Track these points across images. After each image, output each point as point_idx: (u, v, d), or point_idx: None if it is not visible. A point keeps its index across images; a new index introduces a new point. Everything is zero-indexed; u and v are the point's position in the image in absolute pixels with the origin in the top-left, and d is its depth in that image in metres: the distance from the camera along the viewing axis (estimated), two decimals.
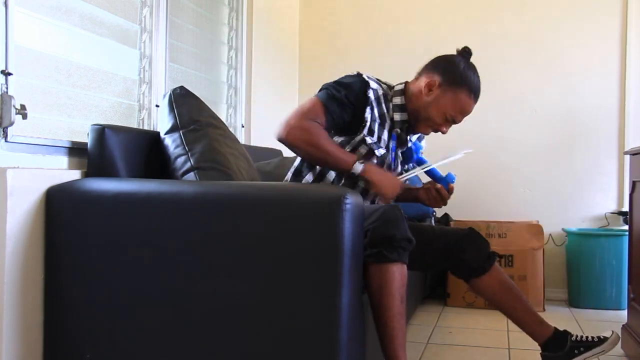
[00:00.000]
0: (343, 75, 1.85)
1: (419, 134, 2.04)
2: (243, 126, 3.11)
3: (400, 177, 1.86)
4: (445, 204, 1.91)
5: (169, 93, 1.94)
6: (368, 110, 1.79)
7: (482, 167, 3.63)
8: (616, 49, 3.47)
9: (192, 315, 1.49)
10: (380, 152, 1.83)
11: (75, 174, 1.73)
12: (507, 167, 3.61)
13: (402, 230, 1.56)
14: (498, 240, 3.27)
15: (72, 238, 1.60)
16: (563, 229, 3.48)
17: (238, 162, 1.91)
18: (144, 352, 1.53)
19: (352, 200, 1.42)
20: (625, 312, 2.53)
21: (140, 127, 2.26)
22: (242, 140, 3.06)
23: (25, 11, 1.67)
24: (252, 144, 3.03)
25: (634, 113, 3.43)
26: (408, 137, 1.97)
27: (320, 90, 1.80)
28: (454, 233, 1.96)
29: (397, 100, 1.89)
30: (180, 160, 1.82)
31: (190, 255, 1.50)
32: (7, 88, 1.57)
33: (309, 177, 1.88)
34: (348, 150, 1.82)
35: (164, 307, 1.51)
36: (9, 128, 1.57)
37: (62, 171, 1.71)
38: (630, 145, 3.37)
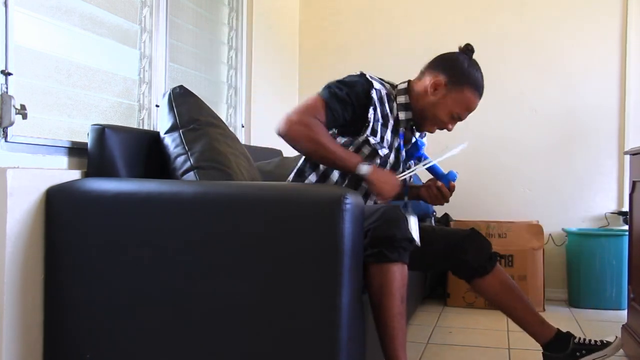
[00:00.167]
0: (344, 75, 1.85)
1: (422, 134, 2.04)
2: (243, 126, 3.11)
3: (401, 175, 1.86)
4: (446, 201, 1.90)
5: (168, 92, 1.94)
6: (371, 110, 1.79)
7: (482, 167, 3.63)
8: (616, 49, 3.47)
9: (192, 315, 1.49)
10: (383, 152, 1.82)
11: (75, 174, 1.73)
12: (507, 167, 3.61)
13: (403, 230, 1.56)
14: (498, 240, 3.27)
15: (72, 238, 1.60)
16: (563, 229, 3.48)
17: (238, 161, 1.90)
18: (144, 352, 1.53)
19: (352, 200, 1.42)
20: (625, 312, 2.53)
21: (140, 127, 2.26)
22: (242, 140, 3.05)
23: (25, 11, 1.67)
24: (252, 144, 3.03)
25: (634, 113, 3.43)
26: (413, 136, 1.97)
27: (323, 88, 1.80)
28: (455, 233, 1.96)
29: (402, 99, 1.88)
30: (180, 159, 1.82)
31: (190, 255, 1.50)
32: (7, 88, 1.57)
33: (312, 178, 1.88)
34: (352, 150, 1.82)
35: (164, 307, 1.51)
36: (9, 128, 1.57)
37: (62, 171, 1.71)
38: (630, 145, 3.37)
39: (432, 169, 1.92)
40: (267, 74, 3.35)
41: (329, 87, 1.78)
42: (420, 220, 3.09)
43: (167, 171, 1.86)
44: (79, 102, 1.93)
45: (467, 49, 1.89)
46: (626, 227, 3.09)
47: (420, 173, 1.95)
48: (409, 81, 1.92)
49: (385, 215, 1.56)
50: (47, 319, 1.62)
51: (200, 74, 2.75)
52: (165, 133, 1.88)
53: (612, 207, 3.48)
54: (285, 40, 3.70)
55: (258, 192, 1.54)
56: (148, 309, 1.53)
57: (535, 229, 3.29)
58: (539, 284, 3.22)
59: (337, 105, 1.75)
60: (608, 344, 1.86)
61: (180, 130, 1.86)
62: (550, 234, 3.52)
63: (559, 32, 3.54)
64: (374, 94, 1.79)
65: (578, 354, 1.85)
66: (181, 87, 1.95)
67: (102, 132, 1.73)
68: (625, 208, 3.26)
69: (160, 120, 1.94)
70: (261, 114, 3.21)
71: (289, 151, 2.12)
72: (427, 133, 2.06)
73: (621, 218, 3.40)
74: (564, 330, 1.92)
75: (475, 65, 1.88)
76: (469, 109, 1.87)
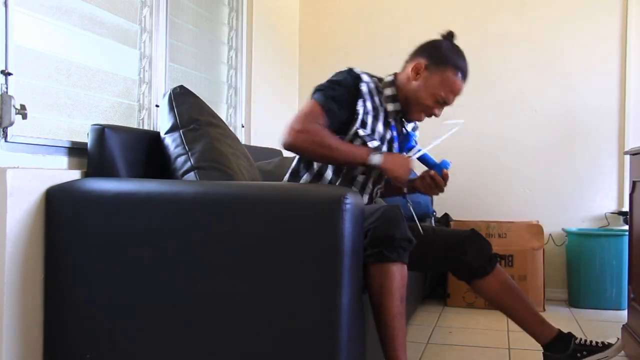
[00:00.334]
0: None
1: (414, 125, 2.05)
2: (243, 126, 3.11)
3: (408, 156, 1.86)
4: (441, 190, 1.89)
5: (168, 92, 1.94)
6: (360, 102, 1.80)
7: (482, 167, 3.63)
8: (616, 49, 3.47)
9: (192, 315, 1.49)
10: (373, 144, 1.83)
11: (75, 174, 1.73)
12: (507, 167, 3.61)
13: (402, 230, 1.56)
14: (498, 240, 3.27)
15: (72, 238, 1.60)
16: (563, 229, 3.48)
17: (239, 162, 1.90)
18: (144, 352, 1.53)
19: (352, 200, 1.42)
20: (625, 312, 2.53)
21: (140, 127, 2.26)
22: (242, 140, 3.05)
23: (25, 11, 1.67)
24: (252, 144, 3.03)
25: (634, 113, 3.43)
26: (403, 128, 1.97)
27: (315, 91, 1.81)
28: (455, 234, 1.96)
29: (389, 91, 1.90)
30: (181, 159, 1.82)
31: (190, 255, 1.50)
32: (7, 88, 1.57)
33: (306, 177, 1.88)
34: None
35: (164, 307, 1.51)
36: (9, 128, 1.57)
37: (62, 171, 1.71)
38: (630, 145, 3.37)
39: (423, 159, 1.92)
40: (267, 74, 3.35)
41: (321, 90, 1.79)
42: (420, 221, 3.11)
43: (167, 171, 1.86)
44: (79, 102, 1.93)
45: (448, 35, 1.91)
46: (626, 227, 3.09)
47: (417, 168, 1.95)
48: (395, 74, 1.94)
49: (385, 215, 1.56)
50: (47, 319, 1.62)
51: (200, 74, 2.75)
52: (166, 133, 1.88)
53: (612, 207, 3.48)
54: (285, 40, 3.70)
55: (258, 192, 1.54)
56: (148, 309, 1.53)
57: (535, 229, 3.29)
58: (539, 284, 3.22)
59: (334, 106, 1.76)
60: (609, 345, 1.86)
61: (181, 131, 1.85)
62: (550, 234, 3.52)
63: (559, 32, 3.54)
64: (363, 87, 1.81)
65: (579, 354, 1.85)
66: (181, 87, 1.95)
67: (102, 132, 1.73)
68: (625, 208, 3.26)
69: (161, 121, 1.94)
70: (261, 114, 3.21)
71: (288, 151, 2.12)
72: (418, 125, 2.07)
73: (621, 218, 3.40)
74: (565, 330, 1.92)
75: (456, 48, 1.89)
76: (453, 90, 1.86)
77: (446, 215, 3.53)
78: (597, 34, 3.49)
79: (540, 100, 3.57)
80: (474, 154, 3.64)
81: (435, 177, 1.88)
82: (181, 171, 1.80)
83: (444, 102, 1.87)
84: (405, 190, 1.99)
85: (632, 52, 3.43)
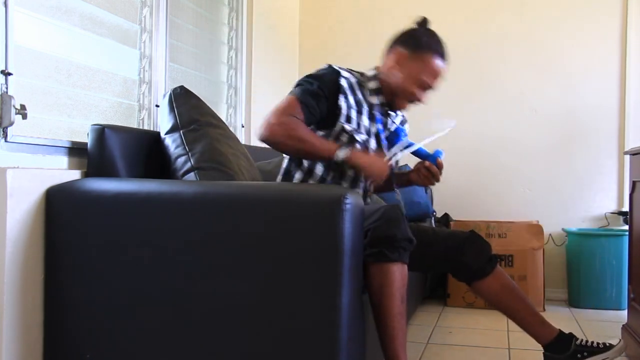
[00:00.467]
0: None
1: (402, 119, 2.06)
2: (243, 126, 3.11)
3: (387, 158, 1.86)
4: (438, 179, 1.91)
5: (169, 93, 1.94)
6: (341, 97, 1.81)
7: (482, 167, 3.63)
8: (616, 49, 3.47)
9: (192, 315, 1.49)
10: (361, 137, 1.83)
11: (75, 174, 1.73)
12: (507, 167, 3.61)
13: (403, 230, 1.56)
14: (498, 240, 3.27)
15: (72, 238, 1.60)
16: (563, 229, 3.48)
17: (239, 162, 1.90)
18: (144, 352, 1.53)
19: (352, 200, 1.42)
20: (625, 312, 2.53)
21: (140, 127, 2.26)
22: (242, 140, 3.05)
23: (25, 11, 1.67)
24: (252, 144, 3.03)
25: (634, 113, 3.43)
26: (390, 120, 1.98)
27: (294, 86, 1.82)
28: (454, 236, 1.96)
29: (372, 84, 1.91)
30: (181, 160, 1.82)
31: (190, 255, 1.50)
32: (7, 88, 1.57)
33: (298, 176, 1.89)
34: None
35: (164, 307, 1.51)
36: (9, 128, 1.57)
37: (62, 171, 1.71)
38: (630, 145, 3.37)
39: (417, 153, 1.93)
40: (267, 74, 3.35)
41: (299, 84, 1.81)
42: (420, 221, 3.11)
43: (167, 172, 1.86)
44: (79, 102, 1.93)
45: (422, 22, 1.95)
46: (626, 227, 3.09)
47: (411, 162, 1.95)
48: (376, 67, 1.95)
49: (386, 215, 1.56)
50: (47, 319, 1.62)
51: (200, 74, 2.75)
52: (166, 134, 1.88)
53: (612, 207, 3.48)
54: (285, 40, 3.70)
55: (258, 192, 1.54)
56: (148, 309, 1.53)
57: (535, 229, 3.29)
58: (539, 284, 3.22)
59: (311, 100, 1.77)
60: (611, 346, 1.85)
61: (181, 131, 1.86)
62: (550, 234, 3.52)
63: (559, 32, 3.54)
64: (342, 82, 1.82)
65: (579, 355, 1.84)
66: (182, 87, 1.95)
67: (102, 132, 1.73)
68: (625, 208, 3.26)
69: (161, 121, 1.94)
70: (261, 114, 3.19)
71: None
72: (407, 119, 2.07)
73: (621, 218, 3.40)
74: (566, 331, 1.92)
75: (432, 32, 1.92)
76: (436, 74, 1.87)
77: (446, 215, 3.53)
78: (597, 34, 3.49)
79: (540, 100, 3.57)
80: (474, 154, 3.64)
81: (431, 167, 1.89)
82: (181, 172, 1.80)
83: (428, 87, 1.88)
84: (395, 187, 2.00)
85: (632, 52, 3.43)
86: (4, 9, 1.57)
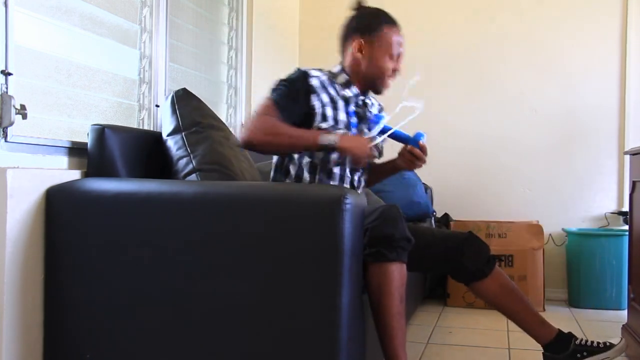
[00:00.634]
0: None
1: (379, 106, 2.07)
2: (243, 126, 3.11)
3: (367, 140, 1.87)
4: (423, 162, 1.91)
5: (171, 95, 1.94)
6: (314, 97, 1.83)
7: (482, 167, 3.63)
8: (616, 49, 3.47)
9: (192, 315, 1.49)
10: (340, 132, 1.83)
11: (75, 174, 1.73)
12: (507, 167, 3.61)
13: (401, 229, 1.56)
14: (498, 240, 3.27)
15: (72, 238, 1.60)
16: (563, 229, 3.48)
17: (240, 164, 1.91)
18: (144, 352, 1.53)
19: (352, 200, 1.42)
20: (625, 312, 2.53)
21: (140, 127, 2.26)
22: None
23: (25, 11, 1.67)
24: None
25: (634, 113, 3.43)
26: (367, 110, 1.99)
27: (269, 91, 1.85)
28: (453, 237, 1.95)
29: (341, 79, 1.95)
30: (183, 162, 1.82)
31: (190, 255, 1.50)
32: (7, 88, 1.57)
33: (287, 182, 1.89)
34: None
35: (164, 307, 1.51)
36: (9, 128, 1.57)
37: (62, 171, 1.72)
38: (630, 145, 3.38)
39: (396, 137, 1.94)
40: (267, 74, 3.35)
41: (273, 89, 1.84)
42: (420, 221, 3.11)
43: (168, 173, 1.86)
44: (79, 102, 1.93)
45: (358, 4, 2.01)
46: (626, 227, 3.09)
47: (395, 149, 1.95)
48: (340, 63, 2.00)
49: (384, 215, 1.56)
50: (47, 319, 1.62)
51: (200, 74, 2.75)
52: (168, 135, 1.89)
53: (612, 207, 3.48)
54: (285, 40, 3.70)
55: (258, 192, 1.54)
56: (148, 309, 1.53)
57: (535, 229, 3.29)
58: (539, 284, 3.22)
59: (287, 102, 1.79)
60: (611, 346, 1.84)
61: (183, 133, 1.86)
62: (550, 234, 3.52)
63: (559, 32, 3.54)
64: (312, 82, 1.85)
65: (579, 355, 1.84)
66: (184, 89, 1.96)
67: (102, 132, 1.74)
68: (625, 208, 3.26)
69: (163, 123, 1.94)
70: None
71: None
72: (384, 106, 2.09)
73: (621, 218, 3.40)
74: (565, 331, 1.92)
75: (371, 9, 1.99)
76: (399, 42, 1.94)
77: (446, 215, 3.53)
78: (597, 34, 3.49)
79: (540, 100, 3.57)
80: (474, 154, 3.65)
81: (414, 150, 1.90)
82: (183, 173, 1.81)
83: (398, 56, 1.94)
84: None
85: (632, 52, 3.43)
86: (4, 9, 1.57)
